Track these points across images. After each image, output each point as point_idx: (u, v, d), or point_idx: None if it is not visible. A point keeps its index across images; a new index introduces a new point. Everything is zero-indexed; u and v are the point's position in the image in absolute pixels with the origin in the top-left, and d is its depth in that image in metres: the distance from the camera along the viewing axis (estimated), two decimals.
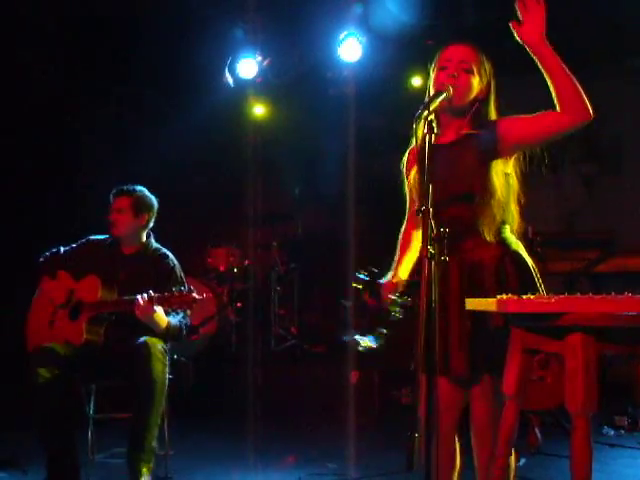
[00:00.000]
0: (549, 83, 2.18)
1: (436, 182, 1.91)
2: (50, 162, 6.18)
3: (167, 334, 3.25)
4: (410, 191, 2.42)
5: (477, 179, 2.21)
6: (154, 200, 3.51)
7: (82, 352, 3.23)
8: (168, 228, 3.67)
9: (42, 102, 5.92)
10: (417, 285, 2.29)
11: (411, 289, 2.37)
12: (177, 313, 3.29)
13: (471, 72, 2.26)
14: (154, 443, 3.13)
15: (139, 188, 3.48)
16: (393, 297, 2.34)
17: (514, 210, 2.28)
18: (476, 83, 2.27)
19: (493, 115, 2.33)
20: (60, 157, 6.42)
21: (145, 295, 3.09)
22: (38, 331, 3.39)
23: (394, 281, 2.37)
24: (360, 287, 2.46)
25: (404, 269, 2.41)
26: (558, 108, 2.18)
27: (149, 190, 3.56)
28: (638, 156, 5.64)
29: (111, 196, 3.45)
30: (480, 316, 2.11)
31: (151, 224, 3.50)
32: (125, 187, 3.45)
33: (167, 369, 3.17)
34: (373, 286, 2.43)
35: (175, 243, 3.78)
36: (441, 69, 2.27)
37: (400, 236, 2.49)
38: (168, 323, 3.23)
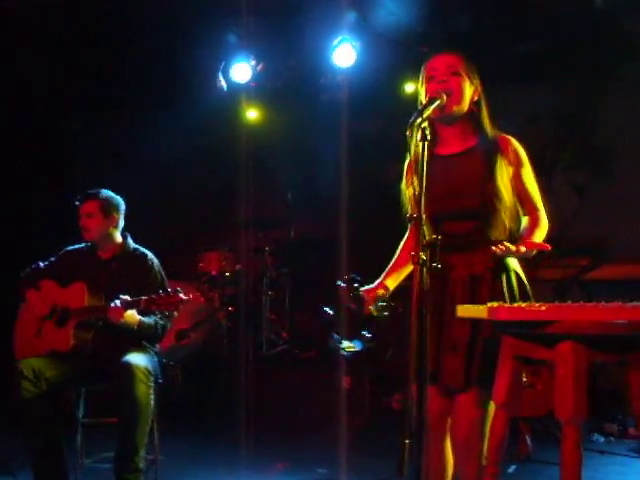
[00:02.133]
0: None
1: (441, 194, 1.91)
2: (41, 166, 6.17)
3: (141, 334, 3.25)
4: (409, 201, 2.40)
5: (486, 194, 2.20)
6: (120, 200, 3.52)
7: (70, 358, 3.22)
8: (160, 232, 3.66)
9: (33, 105, 5.91)
10: (407, 290, 2.31)
11: (403, 294, 2.37)
12: (155, 314, 3.30)
13: (460, 75, 2.27)
14: (142, 463, 3.13)
15: (103, 190, 3.49)
16: (373, 306, 2.34)
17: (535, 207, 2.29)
18: (467, 86, 2.28)
19: (488, 124, 2.33)
20: (51, 160, 6.41)
21: (117, 301, 3.12)
22: (25, 341, 3.38)
23: (378, 290, 2.37)
24: (343, 294, 2.45)
25: (393, 278, 2.41)
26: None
27: (142, 194, 3.57)
28: (630, 163, 5.66)
29: (77, 202, 3.46)
30: (475, 327, 2.11)
31: (122, 223, 3.50)
32: (90, 191, 3.47)
33: (151, 390, 3.14)
34: (356, 294, 2.43)
35: (167, 247, 3.79)
36: (430, 79, 2.28)
37: (400, 246, 2.49)
38: (140, 322, 3.23)
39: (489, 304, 1.80)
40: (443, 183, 2.18)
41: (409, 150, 2.02)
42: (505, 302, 2.05)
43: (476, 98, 2.31)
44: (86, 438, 3.52)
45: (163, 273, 3.49)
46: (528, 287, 2.25)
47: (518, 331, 1.82)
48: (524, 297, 2.19)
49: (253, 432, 4.28)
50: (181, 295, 3.13)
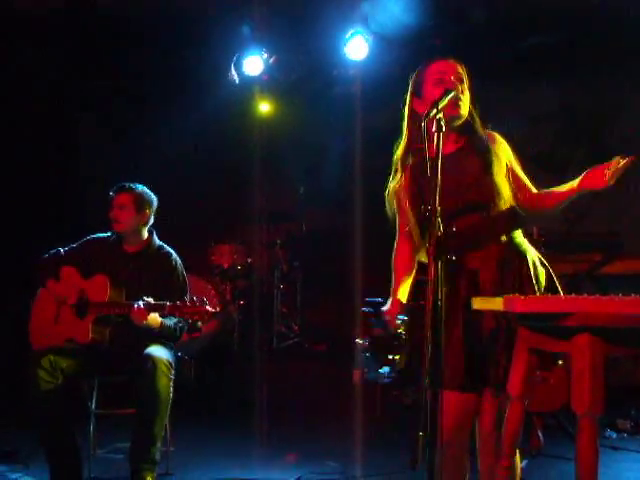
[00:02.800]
0: (554, 198, 2.26)
1: (443, 192, 1.90)
2: (52, 159, 6.19)
3: (161, 334, 3.26)
4: (401, 209, 2.37)
5: (485, 187, 2.22)
6: (154, 197, 3.52)
7: (86, 349, 3.24)
8: (172, 224, 3.66)
9: (44, 96, 5.92)
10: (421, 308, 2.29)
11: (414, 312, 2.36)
12: (172, 318, 3.30)
13: (464, 83, 2.28)
14: (157, 455, 3.15)
15: (139, 185, 3.49)
16: (398, 322, 2.32)
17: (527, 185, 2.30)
18: (467, 94, 2.29)
19: (478, 123, 2.33)
20: (61, 155, 6.43)
21: (141, 303, 3.12)
22: (42, 328, 3.38)
23: (396, 308, 2.33)
24: (369, 321, 2.42)
25: (403, 291, 2.36)
26: (539, 203, 2.27)
27: (155, 187, 3.57)
28: None
29: (111, 193, 3.45)
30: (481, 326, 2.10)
31: (152, 221, 3.50)
32: (126, 184, 3.46)
33: (172, 383, 3.16)
34: (378, 316, 2.40)
35: (179, 240, 3.78)
36: (437, 82, 2.26)
37: (393, 257, 2.42)
38: (162, 324, 3.23)
39: (504, 296, 1.79)
40: (444, 181, 2.15)
41: (425, 140, 1.99)
42: (525, 292, 2.04)
43: (472, 104, 2.32)
44: (99, 429, 3.53)
45: (185, 274, 3.49)
46: (540, 274, 2.24)
47: (534, 323, 1.81)
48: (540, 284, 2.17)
49: (264, 424, 4.30)
50: (208, 307, 3.13)
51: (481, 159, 2.25)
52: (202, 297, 3.20)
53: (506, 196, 2.23)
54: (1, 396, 4.35)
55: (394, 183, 2.40)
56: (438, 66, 2.29)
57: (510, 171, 2.28)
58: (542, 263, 2.27)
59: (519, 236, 2.29)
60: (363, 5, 5.23)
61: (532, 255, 2.26)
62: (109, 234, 3.52)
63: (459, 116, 2.25)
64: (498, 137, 2.34)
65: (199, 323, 3.28)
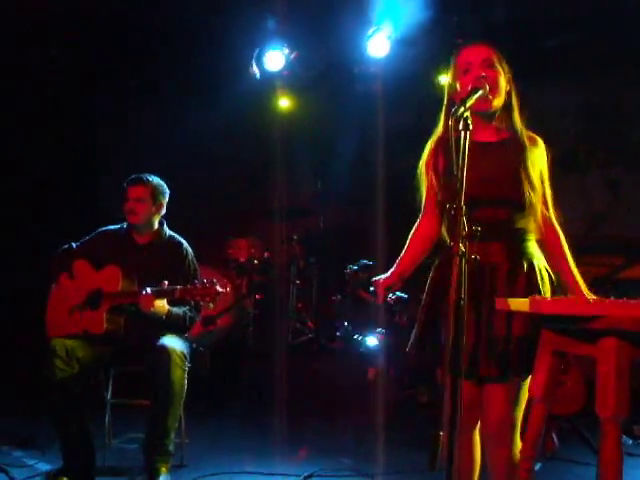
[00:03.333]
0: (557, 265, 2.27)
1: (476, 180, 1.89)
2: (68, 154, 6.22)
3: (169, 322, 3.27)
4: (430, 187, 2.37)
5: (521, 183, 2.19)
6: (167, 188, 3.54)
7: (102, 341, 3.26)
8: (191, 217, 3.68)
9: (60, 91, 5.95)
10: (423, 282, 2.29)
11: (416, 285, 2.35)
12: (185, 305, 3.31)
13: (495, 68, 2.24)
14: (172, 446, 3.18)
15: (154, 176, 3.51)
16: (389, 295, 2.32)
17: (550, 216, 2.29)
18: (502, 80, 2.25)
19: (518, 117, 2.30)
20: (79, 149, 6.46)
21: (148, 289, 3.14)
22: (58, 320, 3.41)
23: (391, 280, 2.34)
24: (352, 280, 2.43)
25: (407, 267, 2.38)
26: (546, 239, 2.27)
27: (174, 181, 3.60)
28: None
29: (126, 185, 3.47)
30: (509, 319, 2.09)
31: (164, 211, 3.52)
32: (141, 176, 3.48)
33: (186, 374, 3.18)
34: (369, 282, 2.41)
35: (197, 232, 3.80)
36: (465, 72, 2.24)
37: (412, 232, 2.44)
38: (169, 311, 3.25)
39: (530, 297, 1.78)
40: (478, 169, 2.14)
41: (451, 137, 1.98)
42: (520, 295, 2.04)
43: (508, 88, 2.29)
44: (114, 419, 3.55)
45: (196, 262, 3.51)
46: (545, 282, 2.22)
47: (560, 325, 1.80)
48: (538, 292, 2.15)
49: (278, 419, 4.30)
50: (217, 287, 3.14)
51: (518, 156, 2.23)
52: (211, 279, 3.20)
53: (540, 194, 2.22)
54: (19, 383, 4.39)
55: (423, 161, 2.39)
56: (465, 55, 2.26)
57: (540, 178, 2.26)
58: (547, 270, 2.25)
59: (530, 240, 2.26)
60: (385, 2, 5.21)
61: (540, 261, 2.24)
62: (119, 226, 3.56)
63: (492, 108, 2.24)
64: (540, 142, 2.31)
65: (211, 304, 3.26)
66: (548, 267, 2.26)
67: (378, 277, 2.38)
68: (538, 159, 2.27)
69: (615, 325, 1.63)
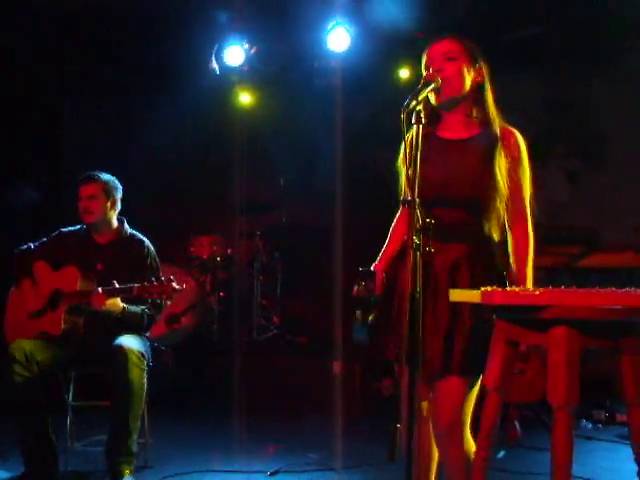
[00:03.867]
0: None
1: (437, 179, 1.89)
2: (32, 149, 6.10)
3: (125, 320, 3.23)
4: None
5: (482, 184, 2.17)
6: (119, 183, 3.50)
7: (61, 342, 3.22)
8: (152, 215, 3.64)
9: (25, 86, 5.83)
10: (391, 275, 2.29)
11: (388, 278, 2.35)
12: (144, 303, 3.29)
13: (456, 60, 2.22)
14: (134, 447, 3.14)
15: (104, 173, 3.46)
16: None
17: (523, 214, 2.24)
18: (465, 70, 2.23)
19: (492, 107, 2.27)
20: (44, 145, 6.34)
21: (100, 289, 3.11)
22: (16, 323, 3.37)
23: (382, 262, 2.35)
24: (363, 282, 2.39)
25: (391, 258, 2.38)
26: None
27: (135, 177, 3.56)
28: (622, 153, 5.68)
29: (79, 184, 3.42)
30: (455, 314, 2.10)
31: (119, 207, 3.48)
32: (91, 174, 3.43)
33: (145, 373, 3.14)
34: (371, 277, 2.39)
35: (158, 230, 3.76)
36: (426, 68, 2.24)
37: (392, 225, 2.45)
38: (124, 309, 3.21)
39: (482, 288, 1.79)
40: (440, 168, 2.15)
41: (405, 131, 1.98)
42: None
43: (479, 80, 2.26)
44: (76, 421, 3.51)
45: (158, 260, 3.48)
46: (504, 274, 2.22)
47: (511, 315, 1.82)
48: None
49: (244, 416, 4.29)
50: (174, 284, 3.11)
51: (485, 155, 2.19)
52: (169, 276, 3.18)
53: (504, 197, 2.17)
54: None
55: (400, 155, 2.35)
56: (430, 51, 2.26)
57: (511, 173, 2.20)
58: (501, 275, 2.23)
59: (493, 241, 2.23)
60: None
61: (499, 266, 2.23)
62: (79, 227, 3.51)
63: (454, 97, 2.21)
64: (517, 135, 2.25)
65: (168, 302, 3.27)
66: (504, 273, 2.24)
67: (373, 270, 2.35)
68: (510, 153, 2.21)
69: (565, 314, 1.65)
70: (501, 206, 2.19)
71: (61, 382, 3.45)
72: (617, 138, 5.73)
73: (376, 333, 2.25)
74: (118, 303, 3.18)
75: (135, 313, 3.27)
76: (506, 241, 2.24)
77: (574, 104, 5.91)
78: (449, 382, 2.14)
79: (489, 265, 2.20)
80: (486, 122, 2.26)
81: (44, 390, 3.16)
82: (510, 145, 2.22)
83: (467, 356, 2.09)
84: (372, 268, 2.33)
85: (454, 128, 2.27)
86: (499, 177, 2.18)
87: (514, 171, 2.21)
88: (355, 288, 2.29)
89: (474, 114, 2.27)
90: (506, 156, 2.21)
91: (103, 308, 3.13)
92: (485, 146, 2.21)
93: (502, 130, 2.25)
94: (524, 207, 2.22)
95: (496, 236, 2.21)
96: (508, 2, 5.08)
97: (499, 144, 2.21)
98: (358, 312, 2.24)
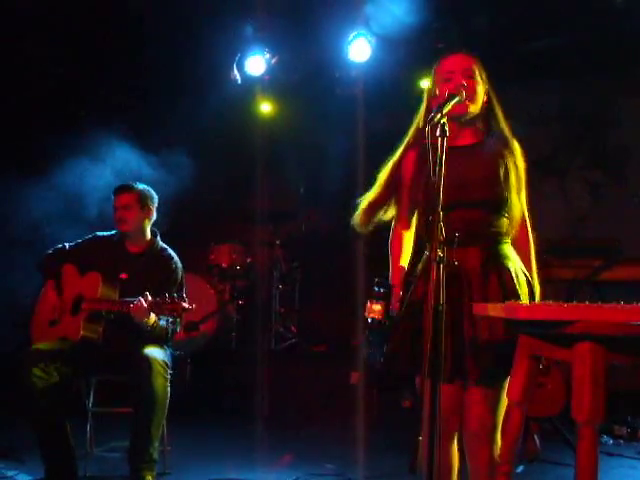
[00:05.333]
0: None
1: (449, 184, 1.91)
2: (47, 159, 6.16)
3: (152, 334, 3.25)
4: (404, 192, 2.38)
5: (488, 187, 2.21)
6: (154, 193, 3.53)
7: (81, 348, 3.24)
8: (173, 224, 3.66)
9: (49, 94, 5.90)
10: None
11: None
12: (166, 317, 3.29)
13: (474, 78, 2.27)
14: (155, 454, 3.16)
15: (139, 183, 3.50)
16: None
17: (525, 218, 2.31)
18: (480, 88, 2.29)
19: (503, 122, 2.33)
20: (59, 154, 6.40)
21: (143, 300, 3.11)
22: (41, 326, 3.41)
23: (398, 275, 2.34)
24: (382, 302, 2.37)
25: (402, 269, 2.38)
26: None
27: (156, 186, 3.59)
28: None
29: (114, 192, 3.45)
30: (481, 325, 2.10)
31: (155, 216, 3.51)
32: (126, 184, 3.47)
33: (168, 382, 3.17)
34: (388, 298, 2.39)
35: (179, 239, 3.79)
36: (445, 81, 2.26)
37: (390, 240, 2.43)
38: (156, 322, 3.22)
39: (506, 302, 1.79)
40: (452, 173, 2.14)
41: (428, 143, 1.99)
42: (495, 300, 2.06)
43: (487, 99, 2.32)
44: (95, 427, 3.53)
45: (183, 278, 3.49)
46: (522, 284, 2.22)
47: (535, 330, 1.81)
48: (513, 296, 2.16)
49: (262, 425, 4.30)
50: (184, 304, 3.12)
51: (495, 158, 2.25)
52: (183, 294, 3.20)
53: (514, 196, 2.23)
54: None
55: (393, 163, 2.42)
56: (447, 63, 2.29)
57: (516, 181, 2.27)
58: (523, 272, 2.25)
59: (506, 242, 2.27)
60: (366, 7, 5.22)
61: (515, 264, 2.25)
62: (114, 232, 3.53)
63: (467, 114, 2.26)
64: (517, 147, 2.32)
65: (177, 319, 3.28)
66: (524, 269, 2.27)
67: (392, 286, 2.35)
68: (516, 162, 2.28)
69: (590, 330, 1.64)
70: (516, 204, 2.24)
71: (82, 388, 3.48)
72: (637, 149, 5.70)
73: (393, 348, 2.25)
74: (152, 316, 3.19)
75: (162, 327, 3.28)
76: (499, 246, 2.25)
77: (594, 116, 5.88)
78: (478, 390, 2.15)
79: (503, 267, 2.21)
80: (494, 130, 2.32)
81: (63, 395, 3.18)
82: (515, 155, 2.29)
83: (496, 365, 2.09)
84: (388, 287, 2.33)
85: (460, 137, 2.30)
86: (511, 176, 2.24)
87: (523, 184, 2.29)
88: (369, 306, 2.29)
89: (481, 127, 2.33)
90: (513, 162, 2.27)
91: (144, 320, 3.14)
92: (495, 150, 2.28)
93: (511, 139, 2.32)
94: (524, 211, 2.30)
95: (510, 235, 2.26)
96: (528, 14, 5.07)
97: (507, 151, 2.28)
98: (372, 338, 2.24)
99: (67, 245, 3.54)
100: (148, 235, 3.49)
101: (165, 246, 3.53)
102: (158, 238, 3.53)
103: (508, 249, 2.26)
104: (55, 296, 3.41)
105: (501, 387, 2.16)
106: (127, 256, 3.45)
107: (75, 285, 3.37)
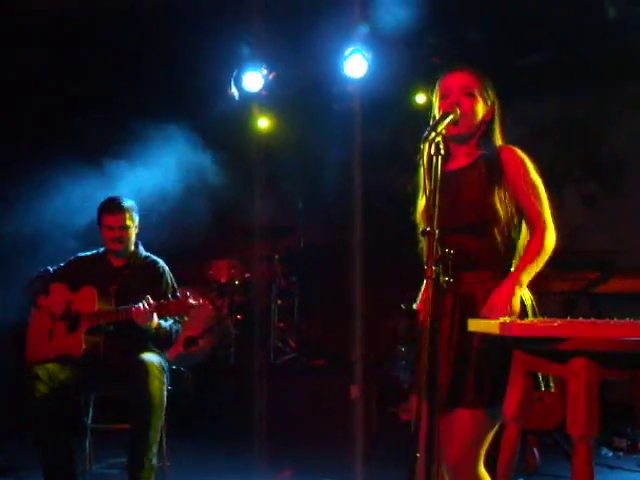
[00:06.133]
0: None
1: (442, 210, 1.91)
2: (47, 174, 6.18)
3: (157, 337, 3.27)
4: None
5: (480, 209, 2.17)
6: (135, 204, 3.53)
7: (82, 362, 3.25)
8: (171, 239, 3.68)
9: (37, 109, 5.92)
10: None
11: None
12: (167, 320, 3.32)
13: (474, 97, 2.23)
14: (154, 460, 3.15)
15: (126, 200, 3.48)
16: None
17: (522, 241, 2.22)
18: (480, 107, 2.25)
19: (498, 139, 2.30)
20: (59, 165, 6.41)
21: (146, 304, 3.12)
22: (38, 344, 3.40)
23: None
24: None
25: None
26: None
27: (153, 201, 3.61)
28: (639, 176, 5.67)
29: (104, 213, 3.43)
30: (466, 345, 2.10)
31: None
32: (117, 202, 3.43)
33: (165, 386, 3.18)
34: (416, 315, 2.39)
35: (177, 254, 3.81)
36: (442, 98, 2.26)
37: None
38: (158, 325, 3.24)
39: (501, 319, 1.81)
40: (446, 197, 2.12)
41: (423, 162, 2.02)
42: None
43: (488, 118, 2.27)
44: (95, 444, 3.54)
45: (174, 280, 3.52)
46: (529, 307, 2.19)
47: (530, 347, 1.83)
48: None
49: (261, 440, 4.30)
50: (191, 300, 3.15)
51: (487, 177, 2.19)
52: (185, 291, 3.20)
53: (502, 220, 2.16)
54: None
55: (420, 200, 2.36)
56: (447, 80, 2.27)
57: (517, 189, 2.18)
58: (530, 299, 2.21)
59: (505, 264, 2.21)
60: (362, 23, 5.27)
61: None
62: (95, 251, 3.57)
63: (464, 133, 2.23)
64: (515, 150, 2.24)
65: (185, 317, 3.30)
66: (529, 294, 2.21)
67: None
68: (512, 170, 2.19)
69: (583, 346, 1.66)
70: (499, 232, 2.16)
71: (81, 405, 3.49)
72: (633, 161, 5.73)
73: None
74: (155, 321, 3.21)
75: (165, 329, 3.31)
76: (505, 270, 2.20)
77: (590, 128, 5.92)
78: (458, 414, 2.09)
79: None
80: (486, 147, 2.26)
81: (65, 409, 3.19)
82: (510, 162, 2.21)
83: (478, 387, 2.06)
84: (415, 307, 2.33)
85: (456, 158, 2.28)
86: (497, 201, 2.16)
87: (520, 185, 2.19)
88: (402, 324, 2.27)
89: (479, 144, 2.28)
90: (508, 175, 2.20)
91: (148, 323, 3.15)
92: (484, 170, 2.21)
93: (502, 150, 2.25)
94: (538, 214, 2.18)
95: (499, 260, 2.18)
96: (523, 27, 5.12)
97: (499, 165, 2.20)
98: (404, 350, 2.22)
99: (50, 268, 3.55)
100: (131, 247, 3.51)
101: (147, 253, 3.56)
102: (140, 247, 3.55)
103: (497, 275, 2.17)
104: (46, 316, 3.41)
105: (490, 415, 2.08)
106: (112, 270, 3.47)
107: (67, 302, 3.37)
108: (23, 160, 5.61)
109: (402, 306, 2.32)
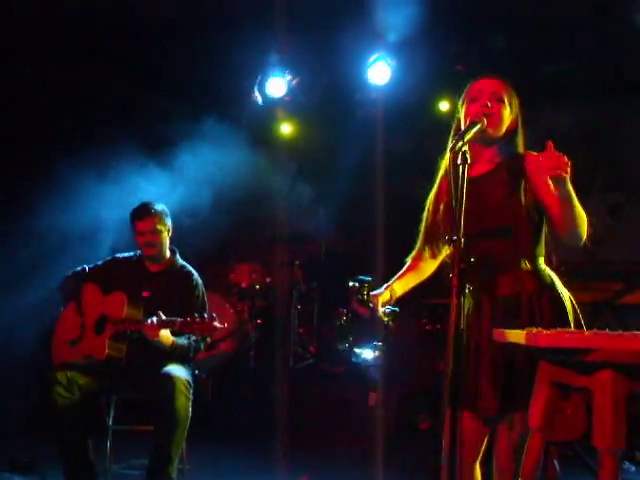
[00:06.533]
0: (556, 209, 2.17)
1: (467, 216, 1.92)
2: (64, 177, 6.24)
3: (173, 353, 3.27)
4: (431, 223, 2.41)
5: (507, 212, 2.21)
6: (167, 208, 3.55)
7: (105, 366, 3.27)
8: (193, 243, 3.70)
9: (61, 113, 5.99)
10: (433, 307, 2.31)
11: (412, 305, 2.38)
12: (190, 337, 3.31)
13: (502, 103, 2.29)
14: (174, 474, 3.17)
15: (156, 204, 3.49)
16: (384, 309, 2.34)
17: (545, 239, 2.28)
18: (507, 114, 2.30)
19: (521, 148, 2.35)
20: (80, 172, 6.48)
21: (155, 319, 3.13)
22: (63, 345, 3.44)
23: (384, 293, 2.36)
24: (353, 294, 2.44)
25: (401, 285, 2.41)
26: (557, 229, 2.21)
27: (176, 206, 3.63)
28: None
29: (135, 219, 3.45)
30: (510, 353, 2.11)
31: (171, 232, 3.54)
32: (147, 207, 3.45)
33: (190, 402, 3.18)
34: (367, 296, 2.43)
35: (199, 258, 3.82)
36: (472, 101, 2.29)
37: (408, 262, 2.49)
38: (174, 343, 3.24)
39: (527, 329, 1.80)
40: (470, 203, 2.14)
41: (450, 171, 2.02)
42: (543, 324, 2.05)
43: (514, 126, 2.32)
44: (115, 445, 3.56)
45: (205, 294, 3.52)
46: (569, 310, 2.22)
47: (556, 358, 1.82)
48: (564, 319, 2.17)
49: (280, 444, 4.30)
50: (216, 323, 3.12)
51: (510, 181, 2.24)
52: (212, 313, 3.20)
53: (533, 221, 2.22)
54: (21, 408, 4.40)
55: (431, 194, 2.43)
56: (477, 84, 2.32)
57: (540, 185, 2.21)
58: (570, 299, 2.26)
59: (542, 263, 2.27)
60: (386, 30, 5.28)
61: (560, 286, 2.25)
62: (132, 253, 3.58)
63: (491, 135, 2.26)
64: (538, 155, 2.22)
65: (208, 339, 3.31)
66: (569, 294, 2.25)
67: (376, 291, 2.39)
68: (534, 168, 2.22)
69: (610, 358, 1.65)
70: (528, 233, 2.21)
71: (102, 406, 3.51)
72: None
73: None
74: (169, 336, 3.21)
75: (182, 346, 3.29)
76: (538, 270, 2.23)
77: (612, 137, 5.87)
78: (508, 420, 2.15)
79: (543, 293, 2.20)
80: (509, 153, 2.31)
81: (85, 413, 3.21)
82: (532, 160, 2.25)
83: (523, 394, 2.07)
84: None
85: (479, 164, 2.31)
86: (525, 205, 2.20)
87: (543, 181, 2.19)
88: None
89: (502, 148, 2.32)
90: (530, 171, 2.24)
91: (156, 339, 3.16)
92: (507, 175, 2.26)
93: (525, 156, 2.30)
94: None
95: (529, 264, 2.22)
96: (543, 36, 5.10)
97: (522, 171, 2.25)
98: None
99: (87, 267, 3.58)
100: (167, 254, 3.53)
101: (184, 263, 3.57)
102: (177, 256, 3.56)
103: (545, 274, 2.24)
104: (76, 316, 3.45)
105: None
106: (148, 275, 3.48)
107: (98, 304, 3.40)
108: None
109: (350, 282, 2.35)
